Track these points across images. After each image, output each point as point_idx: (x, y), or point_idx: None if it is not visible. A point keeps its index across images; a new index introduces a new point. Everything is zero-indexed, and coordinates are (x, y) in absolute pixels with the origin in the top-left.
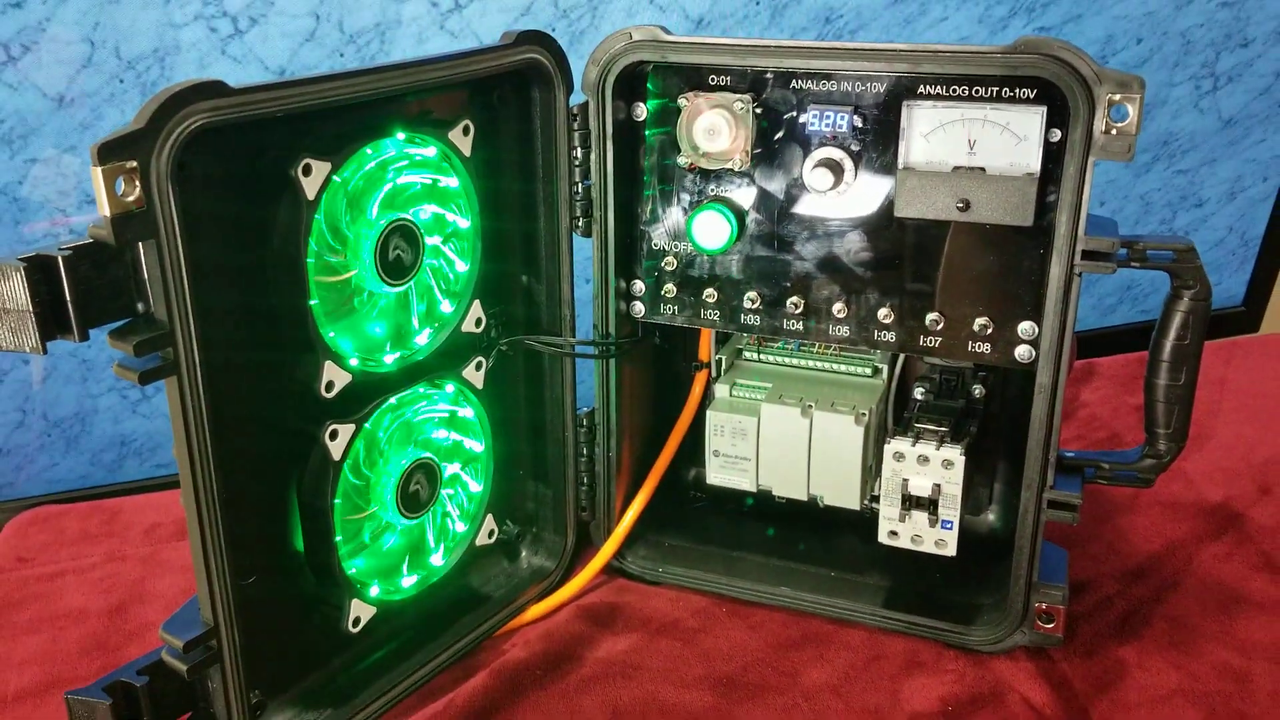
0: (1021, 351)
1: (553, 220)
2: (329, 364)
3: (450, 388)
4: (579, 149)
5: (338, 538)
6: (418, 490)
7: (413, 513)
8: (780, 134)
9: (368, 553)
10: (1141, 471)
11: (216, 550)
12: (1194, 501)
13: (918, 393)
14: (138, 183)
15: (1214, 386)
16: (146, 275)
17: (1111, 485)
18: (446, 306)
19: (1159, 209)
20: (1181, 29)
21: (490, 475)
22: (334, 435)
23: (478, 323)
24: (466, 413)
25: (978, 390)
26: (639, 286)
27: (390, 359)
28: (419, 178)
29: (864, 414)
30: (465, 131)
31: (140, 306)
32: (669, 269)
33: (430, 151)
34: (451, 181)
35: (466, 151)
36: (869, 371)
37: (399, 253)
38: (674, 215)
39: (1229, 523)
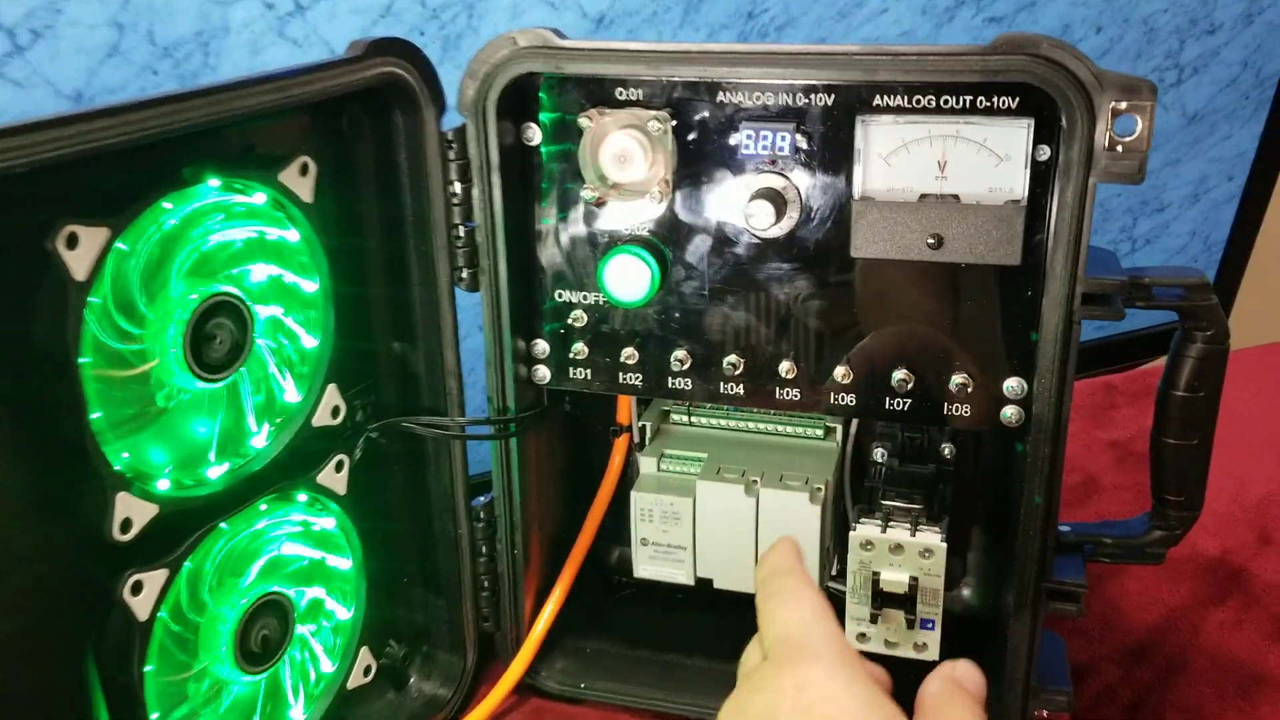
0: (1008, 413)
1: (428, 274)
2: (123, 496)
3: (303, 497)
4: (457, 183)
5: (153, 715)
6: (265, 635)
7: (258, 665)
8: (708, 159)
9: None
10: (1150, 547)
11: None
12: (1188, 556)
13: (878, 454)
14: None
15: None
16: None
17: (1115, 563)
18: (292, 395)
19: (1119, 215)
20: (1144, 15)
21: (363, 596)
22: (137, 588)
23: (335, 412)
24: (327, 524)
25: (947, 449)
26: (542, 347)
27: (217, 472)
28: (242, 232)
29: (819, 488)
30: (303, 171)
31: None
32: (578, 326)
33: (258, 199)
34: (289, 235)
35: (307, 196)
36: (820, 433)
37: (219, 333)
38: (581, 261)
39: (1231, 582)
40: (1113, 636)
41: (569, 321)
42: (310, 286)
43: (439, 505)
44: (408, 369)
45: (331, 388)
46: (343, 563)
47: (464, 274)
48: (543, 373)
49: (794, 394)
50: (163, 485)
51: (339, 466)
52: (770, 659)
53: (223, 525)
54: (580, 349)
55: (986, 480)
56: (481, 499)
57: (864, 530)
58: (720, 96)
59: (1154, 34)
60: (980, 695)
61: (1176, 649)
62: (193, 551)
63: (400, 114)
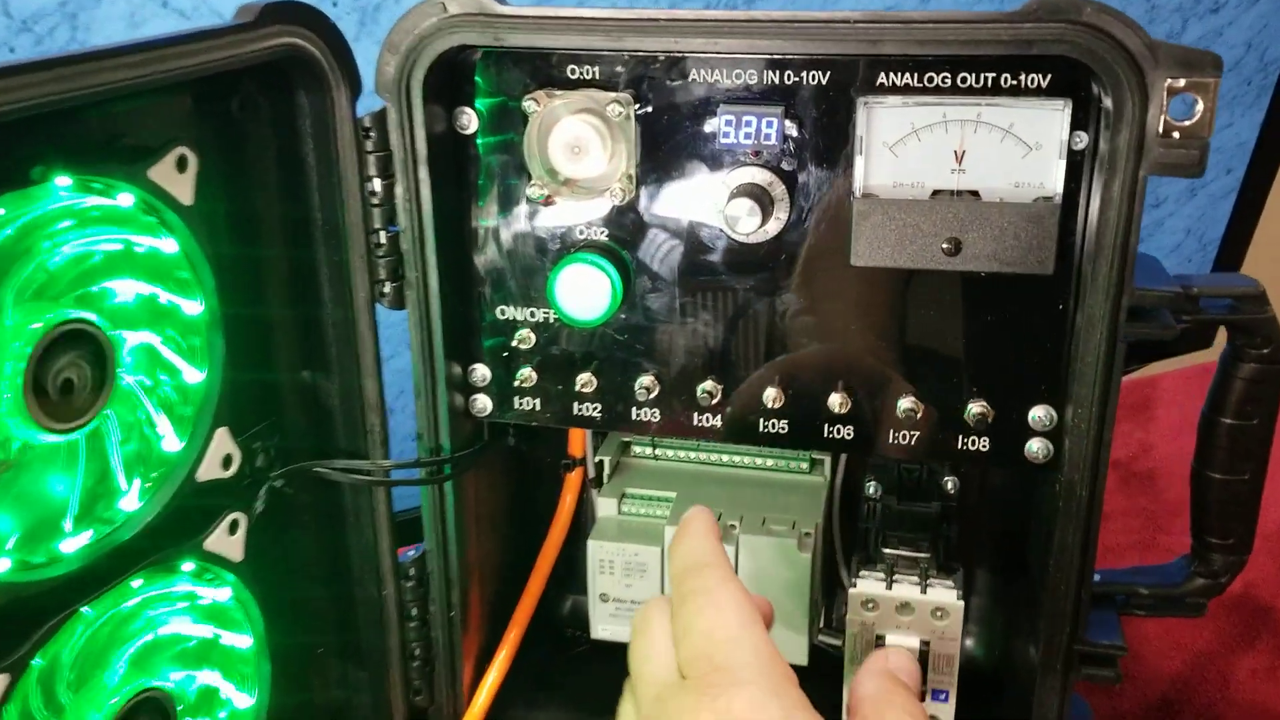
0: (1034, 447)
1: (343, 289)
2: None
3: (189, 566)
4: (377, 180)
5: None
6: None
7: None
8: (679, 150)
9: None
10: (1191, 596)
11: None
12: None
13: (871, 489)
14: None
15: (1189, 431)
16: None
17: (1151, 616)
18: (172, 442)
19: None
20: None
21: (267, 677)
22: None
23: (226, 461)
24: (220, 595)
25: (950, 483)
26: (482, 374)
27: (75, 544)
28: (102, 242)
29: (808, 533)
30: (180, 165)
31: None
32: (524, 348)
33: (123, 201)
34: (164, 245)
35: (186, 197)
36: (805, 465)
37: (71, 370)
38: (528, 271)
39: (1258, 621)
40: (1135, 689)
41: (514, 343)
42: (193, 308)
43: (360, 564)
44: (320, 404)
45: (222, 432)
46: (241, 640)
47: (386, 288)
48: (483, 403)
49: (780, 426)
50: (3, 565)
51: (233, 527)
52: (689, 681)
53: (84, 610)
54: (527, 375)
55: (996, 516)
56: (411, 552)
57: (865, 587)
58: (693, 74)
59: (1156, 11)
60: (917, 687)
61: (1205, 702)
62: (43, 646)
63: (305, 95)
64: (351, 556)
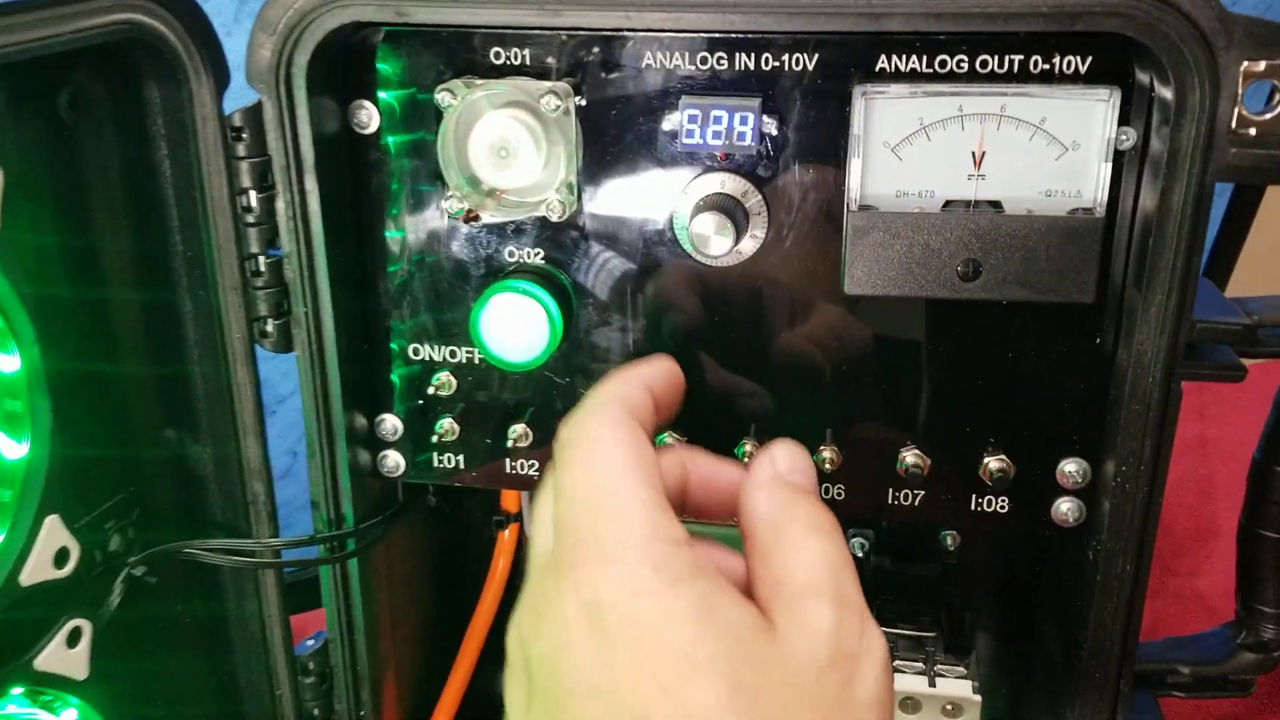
0: (1064, 508)
1: (212, 330)
2: None
3: (18, 690)
4: (252, 193)
5: None
6: None
7: None
8: (631, 153)
9: None
10: (1237, 673)
11: None
12: None
13: (858, 546)
14: None
15: (1192, 453)
16: None
17: (1191, 698)
18: None
19: None
20: None
21: None
22: None
23: (60, 557)
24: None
25: (950, 538)
26: (392, 426)
27: None
28: None
29: None
30: None
31: None
32: (444, 395)
33: None
34: None
35: None
36: None
37: None
38: (446, 302)
39: None
40: None
41: (431, 389)
42: (6, 364)
43: (247, 662)
44: (189, 471)
45: (52, 520)
46: None
47: (269, 327)
48: (394, 461)
49: None
50: None
51: (73, 638)
52: (553, 561)
53: None
54: (448, 427)
55: (1003, 575)
56: (310, 642)
57: None
58: (648, 58)
59: None
60: (816, 488)
61: None
62: None
63: (155, 87)
64: (236, 655)
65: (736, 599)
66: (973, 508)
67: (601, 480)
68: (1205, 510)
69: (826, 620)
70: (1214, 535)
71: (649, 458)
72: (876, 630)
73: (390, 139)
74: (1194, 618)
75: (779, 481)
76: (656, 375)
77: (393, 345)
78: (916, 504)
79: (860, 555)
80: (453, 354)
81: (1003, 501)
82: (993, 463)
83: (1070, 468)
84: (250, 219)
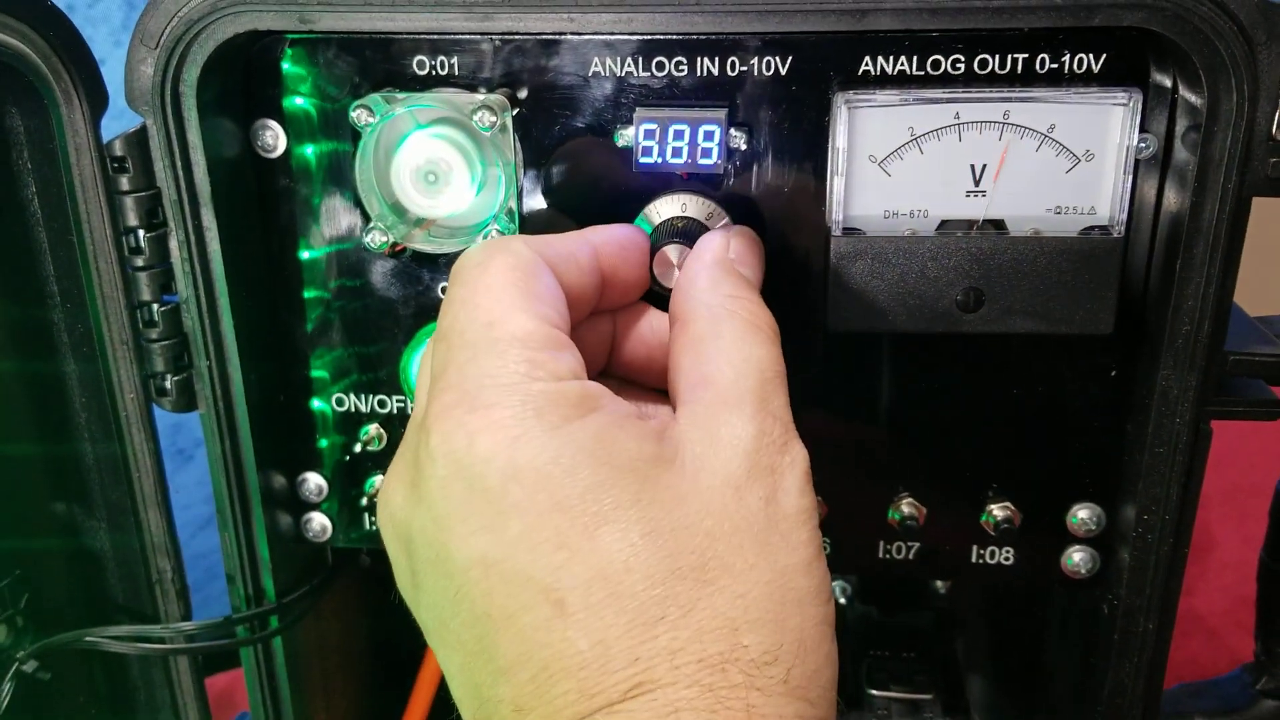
0: (1075, 559)
1: (100, 391)
2: None
3: None
4: (140, 231)
5: None
6: None
7: None
8: (578, 174)
9: None
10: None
11: None
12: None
13: (839, 592)
14: None
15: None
16: None
17: None
18: None
19: None
20: None
21: None
22: None
23: None
24: None
25: (940, 584)
26: (316, 485)
27: None
28: None
29: None
30: None
31: None
32: (374, 449)
33: None
34: None
35: None
36: None
37: None
38: (373, 347)
39: None
40: None
41: (359, 444)
42: None
43: None
44: (84, 550)
45: None
46: None
47: (167, 384)
48: (320, 524)
49: None
50: None
51: None
52: (425, 411)
53: None
54: (381, 485)
55: (1003, 622)
56: None
57: None
58: (596, 65)
59: None
60: (760, 276)
61: None
62: None
63: (17, 114)
64: None
65: (636, 430)
66: (974, 559)
67: (481, 313)
68: (1199, 520)
69: (746, 435)
70: (1209, 548)
71: (541, 293)
72: (798, 442)
73: (300, 163)
74: (1194, 642)
75: (727, 267)
76: (612, 240)
77: (314, 398)
78: (910, 557)
79: (843, 601)
80: (382, 404)
81: (1007, 553)
82: (996, 510)
83: (1083, 514)
84: (139, 262)
